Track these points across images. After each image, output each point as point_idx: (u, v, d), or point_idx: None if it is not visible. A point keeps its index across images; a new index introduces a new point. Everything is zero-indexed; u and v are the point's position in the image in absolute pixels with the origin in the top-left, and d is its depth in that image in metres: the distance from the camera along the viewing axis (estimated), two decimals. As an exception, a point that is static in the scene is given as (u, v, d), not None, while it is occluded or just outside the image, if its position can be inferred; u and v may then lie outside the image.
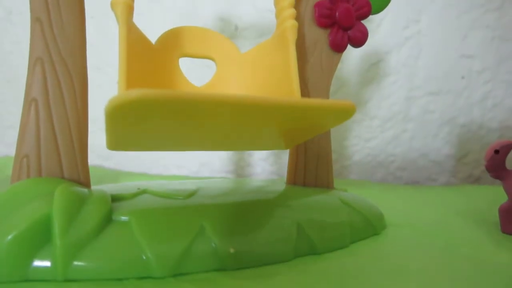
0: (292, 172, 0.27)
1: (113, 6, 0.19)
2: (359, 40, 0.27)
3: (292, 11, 0.23)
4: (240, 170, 0.48)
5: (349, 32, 0.27)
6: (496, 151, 0.26)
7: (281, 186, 0.26)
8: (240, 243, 0.19)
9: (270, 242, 0.19)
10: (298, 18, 0.26)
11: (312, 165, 0.27)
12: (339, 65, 0.47)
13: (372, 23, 0.46)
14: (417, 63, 0.46)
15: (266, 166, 0.48)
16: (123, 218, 0.18)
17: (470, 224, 0.27)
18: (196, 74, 0.44)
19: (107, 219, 0.18)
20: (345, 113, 0.17)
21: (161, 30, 0.24)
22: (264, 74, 0.23)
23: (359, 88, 0.47)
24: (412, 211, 0.31)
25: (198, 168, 0.49)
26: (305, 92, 0.26)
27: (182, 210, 0.20)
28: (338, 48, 0.26)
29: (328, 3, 0.26)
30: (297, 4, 0.26)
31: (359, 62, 0.47)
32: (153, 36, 0.23)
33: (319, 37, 0.26)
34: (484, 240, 0.23)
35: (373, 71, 0.47)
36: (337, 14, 0.26)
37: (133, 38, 0.20)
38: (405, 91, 0.46)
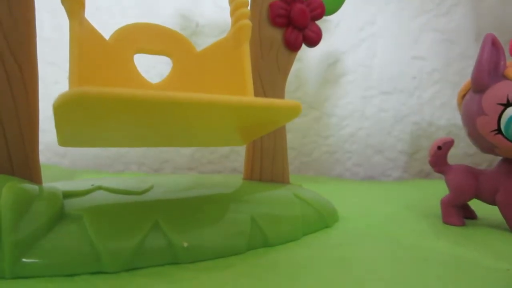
0: (249, 168, 0.27)
1: (63, 0, 0.19)
2: (313, 40, 0.28)
3: (245, 11, 0.23)
4: (202, 167, 0.48)
5: (303, 32, 0.28)
6: (439, 148, 0.28)
7: (237, 181, 0.26)
8: (194, 237, 0.19)
9: (223, 235, 0.20)
10: (254, 17, 0.27)
11: (268, 161, 0.27)
12: (299, 65, 0.48)
13: (329, 24, 0.48)
14: (372, 63, 0.48)
15: (227, 163, 0.49)
16: (75, 214, 0.18)
17: (416, 216, 0.29)
18: (159, 71, 0.43)
19: (59, 216, 0.18)
20: (293, 112, 0.18)
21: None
22: (219, 72, 0.23)
23: (318, 87, 0.49)
24: (365, 205, 0.33)
25: (159, 165, 0.48)
26: (260, 90, 0.27)
27: (136, 205, 0.20)
28: (293, 47, 0.27)
29: (283, 3, 0.27)
30: (253, 4, 0.27)
31: (317, 62, 0.48)
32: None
33: (274, 36, 0.27)
34: (426, 231, 0.25)
35: (330, 71, 0.48)
36: (291, 14, 0.27)
37: (85, 34, 0.19)
38: (361, 91, 0.48)
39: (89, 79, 0.19)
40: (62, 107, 0.12)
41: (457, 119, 0.48)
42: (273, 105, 0.17)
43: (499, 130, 0.23)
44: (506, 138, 0.23)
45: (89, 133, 0.17)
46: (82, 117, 0.14)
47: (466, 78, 0.47)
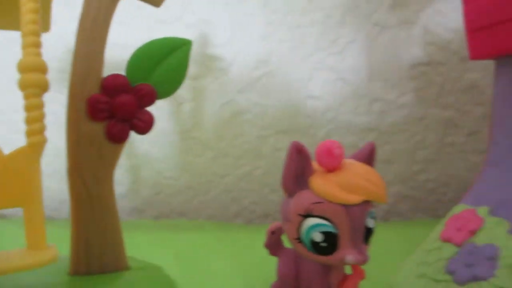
0: (74, 259, 0.27)
1: None
2: (142, 129, 0.27)
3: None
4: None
5: (130, 122, 0.27)
6: (273, 232, 0.29)
7: (56, 278, 0.26)
8: None
9: None
10: (71, 113, 0.26)
11: (95, 248, 0.27)
12: (194, 104, 0.47)
13: (223, 63, 0.47)
14: (267, 102, 0.48)
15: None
16: None
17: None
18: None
19: None
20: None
21: None
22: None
23: (213, 126, 0.48)
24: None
25: None
26: (82, 188, 0.25)
27: None
28: (117, 140, 0.27)
29: (104, 96, 0.26)
30: (71, 99, 0.26)
31: (213, 101, 0.48)
32: None
33: (95, 131, 0.26)
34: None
35: (226, 110, 0.48)
36: (114, 106, 0.26)
37: None
38: (257, 130, 0.48)
39: None
40: None
41: (352, 156, 0.48)
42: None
43: (300, 239, 0.23)
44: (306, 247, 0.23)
45: None
46: None
47: (359, 117, 0.48)
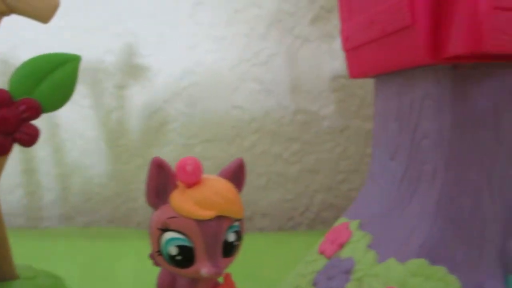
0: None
1: None
2: (27, 142, 0.28)
3: None
4: None
5: (13, 135, 0.27)
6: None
7: None
8: None
9: None
10: None
11: None
12: (121, 113, 0.48)
13: (149, 72, 0.48)
14: (193, 112, 0.48)
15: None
16: None
17: None
18: None
19: None
20: None
21: None
22: None
23: (141, 135, 0.49)
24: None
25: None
26: None
27: None
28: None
29: (-18, 110, 0.27)
30: None
31: (140, 110, 0.48)
32: None
33: (-27, 144, 0.27)
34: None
35: (153, 119, 0.48)
36: (-6, 120, 0.27)
37: None
38: (184, 139, 0.49)
39: None
40: None
41: (277, 166, 0.49)
42: None
43: (160, 252, 0.24)
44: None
45: None
46: None
47: (284, 128, 0.49)
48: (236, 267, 0.37)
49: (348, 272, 0.25)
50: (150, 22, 0.47)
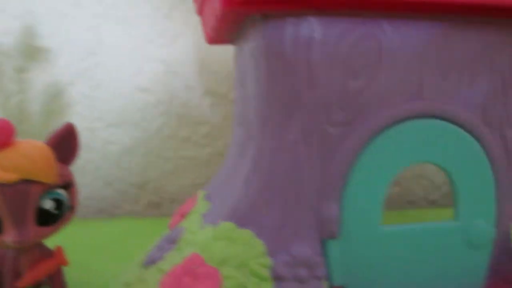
0: None
1: None
2: None
3: None
4: None
5: None
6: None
7: None
8: None
9: None
10: None
11: None
12: (21, 97, 0.46)
13: (50, 54, 0.46)
14: (97, 95, 0.47)
15: None
16: None
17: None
18: None
19: None
20: None
21: None
22: None
23: (44, 119, 0.47)
24: None
25: None
26: None
27: None
28: None
29: None
30: None
31: (42, 94, 0.47)
32: None
33: None
34: None
35: (55, 103, 0.47)
36: None
37: None
38: (87, 122, 0.47)
39: None
40: None
41: (186, 150, 0.48)
42: None
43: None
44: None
45: None
46: None
47: (191, 109, 0.48)
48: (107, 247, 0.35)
49: (174, 241, 0.24)
50: (50, 2, 0.46)
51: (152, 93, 0.47)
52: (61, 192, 0.24)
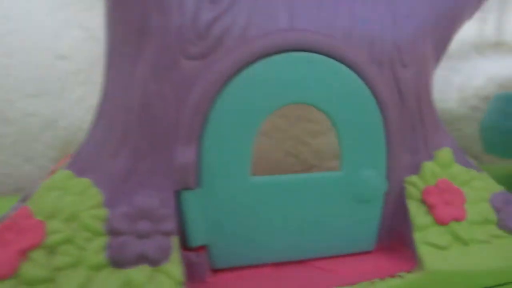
0: None
1: None
2: None
3: None
4: None
5: None
6: None
7: None
8: None
9: None
10: None
11: None
12: None
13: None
14: (10, 63, 0.43)
15: None
16: None
17: None
18: None
19: None
20: None
21: None
22: None
23: (-46, 90, 0.44)
24: None
25: None
26: None
27: None
28: None
29: None
30: None
31: (-49, 62, 0.43)
32: None
33: None
34: None
35: (-34, 72, 0.43)
36: None
37: None
38: (2, 94, 0.44)
39: None
40: None
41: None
42: None
43: None
44: None
45: None
46: None
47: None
48: None
49: (25, 199, 0.21)
50: (-45, -38, 0.42)
51: (72, 60, 0.44)
52: None
